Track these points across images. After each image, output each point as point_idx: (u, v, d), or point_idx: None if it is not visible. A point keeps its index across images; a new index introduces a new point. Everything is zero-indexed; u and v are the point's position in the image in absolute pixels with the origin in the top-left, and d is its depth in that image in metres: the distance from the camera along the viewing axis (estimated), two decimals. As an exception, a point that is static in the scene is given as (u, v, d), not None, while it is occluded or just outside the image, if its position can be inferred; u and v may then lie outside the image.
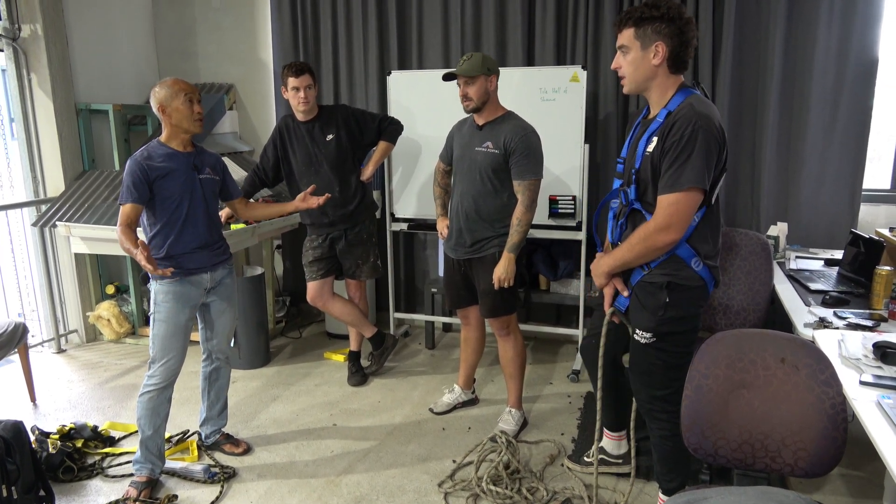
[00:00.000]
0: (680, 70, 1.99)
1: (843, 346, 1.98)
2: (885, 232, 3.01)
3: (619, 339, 2.30)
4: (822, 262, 3.22)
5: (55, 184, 4.12)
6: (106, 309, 4.27)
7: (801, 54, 3.60)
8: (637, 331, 2.09)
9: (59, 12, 4.02)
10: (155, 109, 2.48)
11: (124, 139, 4.31)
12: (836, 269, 3.05)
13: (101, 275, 4.41)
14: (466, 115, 2.98)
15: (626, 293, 2.13)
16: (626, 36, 1.96)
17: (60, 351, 4.21)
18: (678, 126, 1.88)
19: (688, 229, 1.96)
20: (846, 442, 1.66)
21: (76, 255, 4.15)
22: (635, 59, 1.97)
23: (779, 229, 3.38)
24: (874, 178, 3.76)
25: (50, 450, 2.74)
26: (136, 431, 3.06)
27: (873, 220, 3.67)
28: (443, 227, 3.16)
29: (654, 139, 1.96)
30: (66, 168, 4.12)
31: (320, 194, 3.35)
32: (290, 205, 2.99)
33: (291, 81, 3.26)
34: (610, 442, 2.70)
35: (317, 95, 3.38)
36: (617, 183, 2.17)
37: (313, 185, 3.05)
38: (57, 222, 3.82)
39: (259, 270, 4.00)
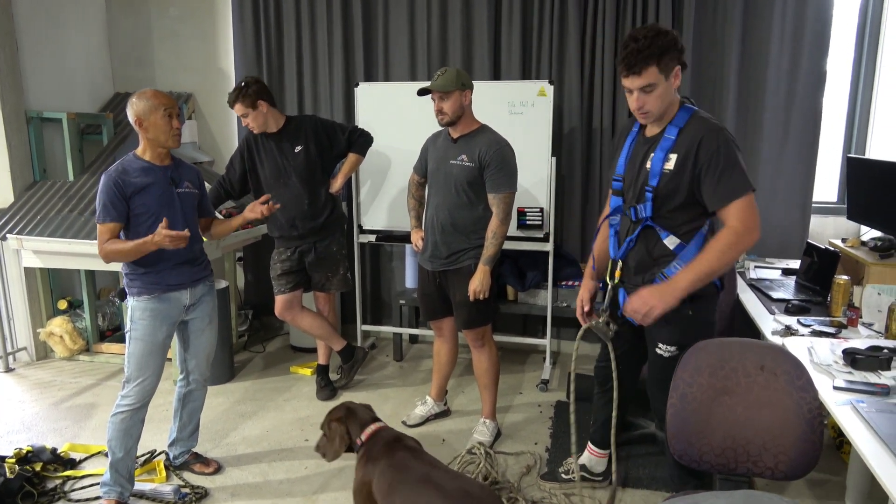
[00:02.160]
0: None
1: (814, 353, 2.07)
2: (839, 243, 3.17)
3: (627, 355, 2.37)
4: (779, 272, 3.37)
5: (3, 195, 3.94)
6: (58, 325, 4.09)
7: (755, 72, 3.78)
8: (660, 345, 2.13)
9: (8, 16, 3.86)
10: (132, 121, 2.39)
11: (78, 149, 4.15)
12: (794, 278, 3.19)
13: (53, 289, 4.22)
14: (437, 129, 3.00)
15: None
16: (651, 74, 1.95)
17: (8, 370, 4.01)
18: (708, 141, 1.95)
19: (699, 239, 2.04)
20: (823, 444, 1.75)
21: (26, 268, 3.97)
22: (662, 92, 1.99)
23: (738, 240, 3.51)
24: (822, 191, 3.96)
25: (7, 474, 2.60)
26: (98, 453, 2.97)
27: (822, 231, 3.86)
28: (417, 239, 3.17)
29: (673, 156, 2.00)
30: (15, 178, 3.94)
31: (290, 206, 3.34)
32: (238, 218, 2.86)
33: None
34: (593, 458, 2.72)
35: (265, 112, 3.25)
36: (616, 200, 2.19)
37: (267, 195, 2.95)
38: (7, 235, 3.65)
39: (223, 284, 3.91)
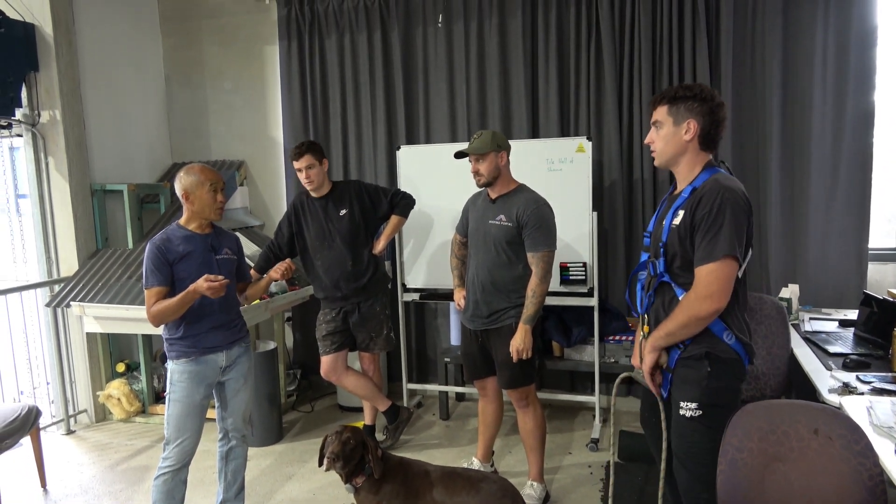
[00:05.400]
0: (710, 148, 2.06)
1: (874, 413, 1.97)
2: (898, 292, 3.04)
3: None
4: (836, 324, 3.23)
5: (69, 263, 4.16)
6: (116, 387, 4.23)
7: (798, 118, 3.73)
8: (682, 404, 2.02)
9: (77, 98, 4.16)
10: (179, 194, 2.54)
11: (138, 217, 4.38)
12: (852, 329, 3.06)
13: (112, 353, 4.39)
14: (478, 189, 3.05)
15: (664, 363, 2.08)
16: (661, 112, 2.06)
17: (70, 432, 4.15)
18: (706, 200, 1.93)
19: None
20: (887, 514, 1.64)
21: (87, 334, 4.15)
22: (667, 134, 2.06)
23: (790, 291, 3.41)
24: (883, 236, 3.81)
25: (63, 540, 2.67)
26: (151, 517, 3.01)
27: (882, 279, 3.70)
28: (459, 297, 3.19)
29: (681, 213, 2.01)
30: (80, 247, 4.17)
31: (334, 268, 3.44)
32: (265, 279, 3.09)
33: (295, 164, 3.38)
34: None
35: (327, 171, 3.46)
36: (644, 256, 2.20)
37: (288, 259, 3.18)
38: (71, 302, 3.84)
39: (272, 345, 3.99)
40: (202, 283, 2.40)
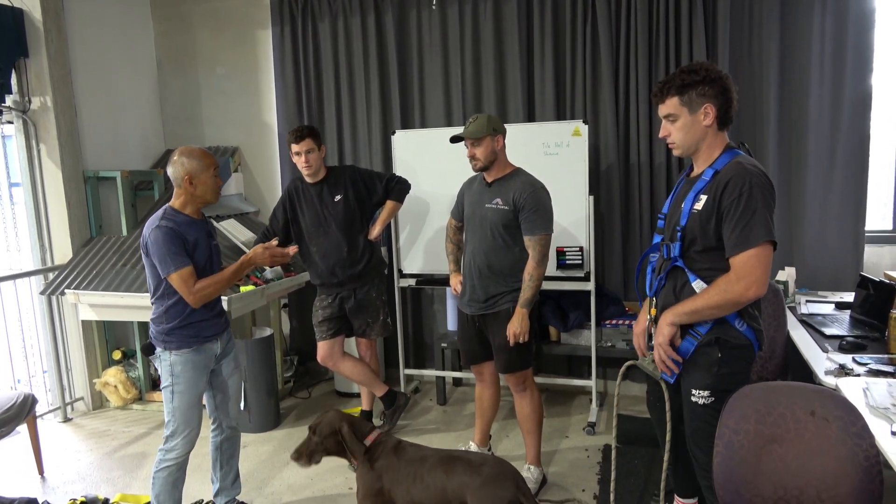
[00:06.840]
0: (726, 126, 2.03)
1: (870, 395, 1.97)
2: (895, 274, 3.04)
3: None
4: (832, 306, 3.23)
5: (63, 251, 4.13)
6: (113, 375, 4.23)
7: (796, 102, 3.71)
8: (694, 391, 2.03)
9: (68, 84, 4.12)
10: (179, 178, 2.45)
11: (131, 204, 4.35)
12: (848, 312, 3.06)
13: (108, 340, 4.38)
14: (474, 173, 3.03)
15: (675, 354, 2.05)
16: (672, 105, 2.01)
17: (66, 420, 4.15)
18: (733, 185, 1.89)
19: None
20: (883, 495, 1.65)
21: (83, 321, 4.13)
22: (685, 125, 2.01)
23: (787, 274, 3.40)
24: (881, 219, 3.81)
25: (61, 527, 2.67)
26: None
27: (878, 261, 3.71)
28: (456, 282, 3.18)
29: (703, 197, 1.97)
30: (73, 235, 4.14)
31: (330, 254, 3.42)
32: (233, 265, 2.64)
33: (293, 147, 3.34)
34: None
35: (324, 157, 3.44)
36: (657, 238, 2.17)
37: (277, 238, 2.95)
38: (65, 290, 3.82)
39: (268, 332, 3.99)
40: (263, 253, 2.54)
